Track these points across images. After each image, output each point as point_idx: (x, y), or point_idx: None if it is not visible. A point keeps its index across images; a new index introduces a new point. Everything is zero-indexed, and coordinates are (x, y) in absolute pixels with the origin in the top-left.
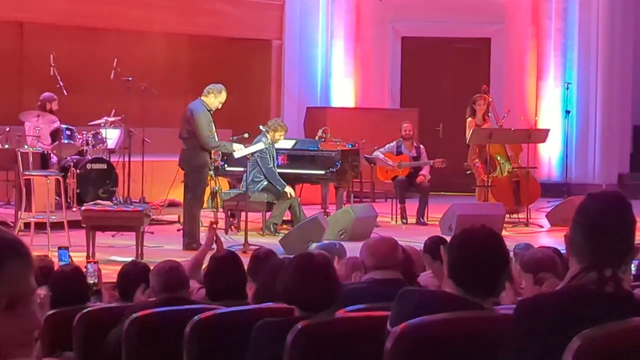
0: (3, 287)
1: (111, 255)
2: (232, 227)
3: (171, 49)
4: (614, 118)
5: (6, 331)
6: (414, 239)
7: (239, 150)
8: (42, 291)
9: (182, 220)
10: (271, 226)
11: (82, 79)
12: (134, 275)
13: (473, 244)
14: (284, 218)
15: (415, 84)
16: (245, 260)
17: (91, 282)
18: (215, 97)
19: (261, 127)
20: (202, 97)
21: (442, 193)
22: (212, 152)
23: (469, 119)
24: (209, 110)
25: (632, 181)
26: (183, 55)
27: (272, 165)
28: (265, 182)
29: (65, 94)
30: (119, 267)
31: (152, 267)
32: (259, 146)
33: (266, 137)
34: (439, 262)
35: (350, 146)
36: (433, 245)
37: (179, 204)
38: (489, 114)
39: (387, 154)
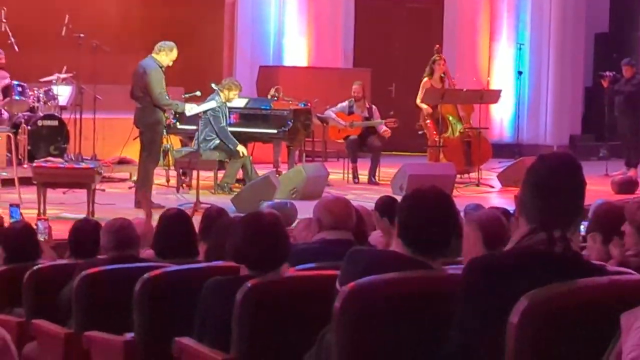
0: None
1: (62, 212)
2: (184, 185)
3: (123, 5)
4: (566, 79)
5: None
6: (365, 198)
7: (191, 109)
8: None
9: (134, 177)
10: (225, 185)
11: (34, 35)
12: (85, 232)
13: (423, 204)
14: (237, 177)
15: (368, 44)
16: (198, 219)
17: (41, 239)
18: (166, 55)
19: (214, 85)
20: (154, 55)
21: (394, 153)
22: (165, 110)
23: (425, 79)
24: (160, 67)
25: (583, 142)
26: (135, 12)
27: (224, 124)
28: (218, 141)
29: (17, 49)
30: (69, 225)
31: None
32: (211, 104)
33: (219, 95)
34: (387, 220)
35: (302, 105)
36: (384, 205)
37: (130, 161)
38: (443, 75)
39: (339, 114)
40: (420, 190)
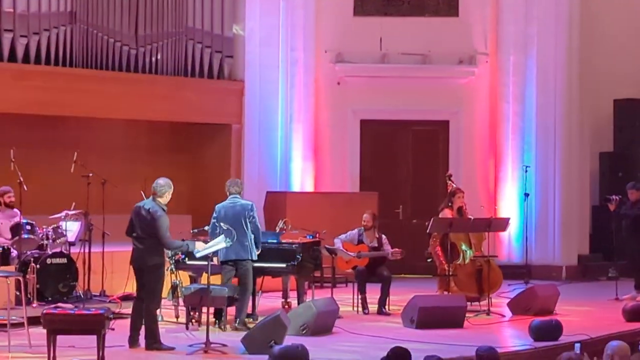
0: None
1: (73, 357)
2: (193, 321)
3: (130, 135)
4: (573, 199)
5: None
6: (375, 332)
7: (202, 250)
8: None
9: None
10: (244, 322)
11: (43, 171)
12: None
13: None
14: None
15: (374, 167)
16: None
17: None
18: (169, 195)
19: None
20: (158, 199)
21: (402, 275)
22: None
23: (446, 210)
24: (164, 210)
25: (592, 262)
26: (142, 141)
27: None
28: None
29: (26, 189)
30: None
31: None
32: (219, 244)
33: (227, 238)
34: None
35: (310, 237)
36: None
37: None
38: (462, 206)
39: (347, 244)
40: None
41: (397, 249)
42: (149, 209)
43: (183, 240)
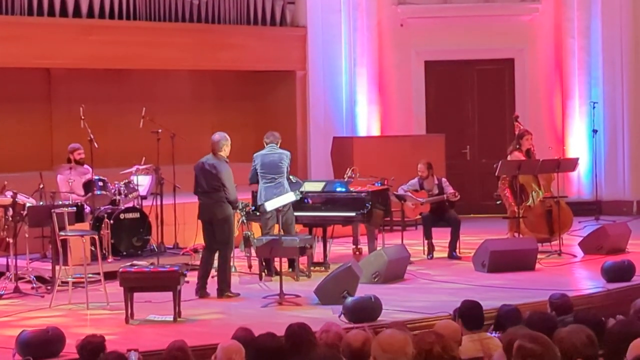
0: None
1: (149, 314)
2: (266, 271)
3: (196, 85)
4: None
5: None
6: (447, 278)
7: (270, 203)
8: None
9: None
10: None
11: (111, 126)
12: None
13: None
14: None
15: (440, 108)
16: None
17: None
18: (228, 147)
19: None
20: (220, 152)
21: (472, 216)
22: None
23: (516, 152)
24: (227, 162)
25: None
26: (208, 91)
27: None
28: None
29: (96, 146)
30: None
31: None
32: (289, 197)
33: (298, 191)
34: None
35: (379, 184)
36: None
37: None
38: (530, 148)
39: (411, 192)
40: None
41: (451, 191)
42: (212, 164)
43: None
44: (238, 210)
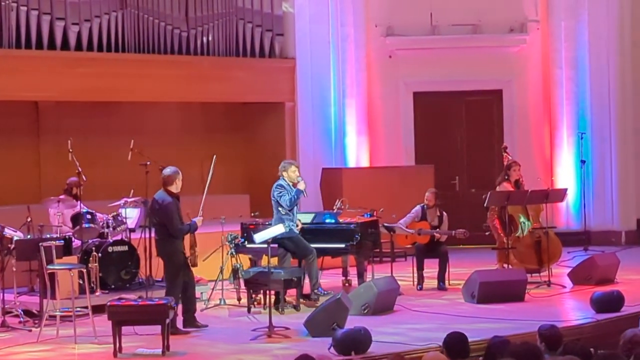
0: None
1: (138, 347)
2: (255, 303)
3: (185, 117)
4: (630, 164)
5: None
6: (436, 309)
7: (259, 235)
8: None
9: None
10: (316, 292)
11: (99, 159)
12: None
13: None
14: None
15: (429, 139)
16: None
17: None
18: (179, 182)
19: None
20: (169, 187)
21: (461, 246)
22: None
23: (504, 183)
24: (173, 198)
25: None
26: (197, 123)
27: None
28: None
29: (85, 179)
30: None
31: None
32: (278, 230)
33: (288, 222)
34: None
35: (368, 216)
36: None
37: (200, 279)
38: (519, 180)
39: (411, 222)
40: None
41: (460, 230)
42: (157, 199)
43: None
44: (227, 242)
